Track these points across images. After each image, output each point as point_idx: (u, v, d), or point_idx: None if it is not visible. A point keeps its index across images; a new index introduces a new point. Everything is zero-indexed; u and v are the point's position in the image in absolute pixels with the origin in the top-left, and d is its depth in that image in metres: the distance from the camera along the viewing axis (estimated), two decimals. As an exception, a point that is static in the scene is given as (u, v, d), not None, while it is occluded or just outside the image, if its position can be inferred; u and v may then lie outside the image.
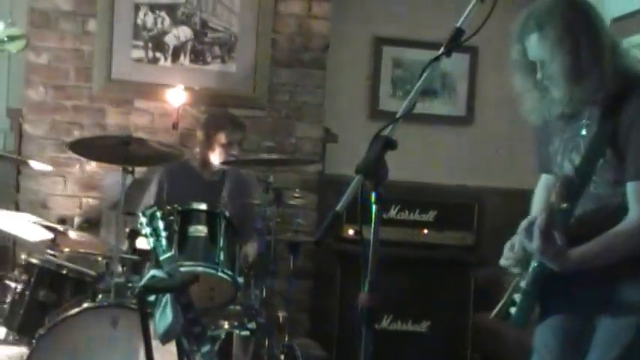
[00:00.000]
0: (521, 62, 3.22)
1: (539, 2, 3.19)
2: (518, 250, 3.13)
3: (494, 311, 3.20)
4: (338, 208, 2.40)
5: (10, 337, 4.72)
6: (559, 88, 3.10)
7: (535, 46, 3.12)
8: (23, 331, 4.65)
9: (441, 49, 2.74)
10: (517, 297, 3.14)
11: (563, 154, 3.23)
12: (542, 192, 3.44)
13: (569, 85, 3.07)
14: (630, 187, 3.00)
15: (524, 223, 2.99)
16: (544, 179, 3.45)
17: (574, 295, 3.13)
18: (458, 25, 2.76)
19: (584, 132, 3.14)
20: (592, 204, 3.02)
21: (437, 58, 2.72)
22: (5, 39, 3.70)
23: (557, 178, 3.20)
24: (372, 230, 2.47)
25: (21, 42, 3.78)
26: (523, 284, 3.11)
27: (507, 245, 3.20)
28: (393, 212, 6.22)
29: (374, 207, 2.46)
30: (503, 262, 3.19)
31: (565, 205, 2.91)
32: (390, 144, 2.47)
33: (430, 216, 6.32)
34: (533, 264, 3.06)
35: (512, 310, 3.15)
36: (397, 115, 2.57)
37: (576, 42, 3.06)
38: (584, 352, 3.15)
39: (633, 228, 2.97)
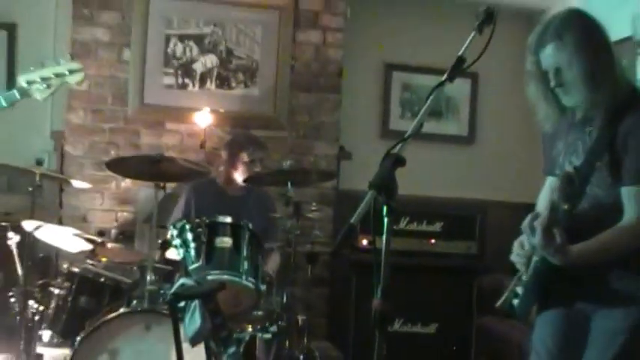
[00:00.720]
0: (534, 73, 3.19)
1: (553, 16, 3.20)
2: (528, 249, 3.12)
3: (499, 302, 3.18)
4: (352, 220, 2.40)
5: (55, 340, 4.76)
6: (578, 93, 3.10)
7: (553, 54, 3.10)
8: (66, 334, 4.69)
9: (445, 75, 2.75)
10: (519, 289, 3.13)
11: (565, 157, 3.23)
12: (546, 192, 3.43)
13: (588, 90, 3.08)
14: (625, 191, 3.00)
15: (527, 219, 2.98)
16: (549, 181, 3.44)
17: (570, 291, 3.12)
18: (460, 54, 2.77)
19: (586, 138, 3.14)
20: (587, 203, 3.00)
21: (441, 84, 2.73)
22: (67, 73, 3.75)
23: (559, 179, 3.20)
24: (384, 240, 2.47)
25: (80, 75, 3.82)
26: (525, 278, 3.11)
27: (517, 242, 3.19)
28: (402, 224, 6.22)
29: (386, 219, 2.46)
30: (513, 257, 3.19)
31: (567, 206, 2.89)
32: (399, 161, 2.48)
33: (437, 227, 6.31)
34: (535, 259, 3.06)
35: (515, 301, 3.14)
36: (406, 135, 2.58)
37: (595, 49, 3.08)
38: (581, 347, 3.13)
39: (629, 228, 2.97)
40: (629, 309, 3.04)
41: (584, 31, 3.11)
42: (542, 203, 3.41)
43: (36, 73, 3.74)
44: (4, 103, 3.69)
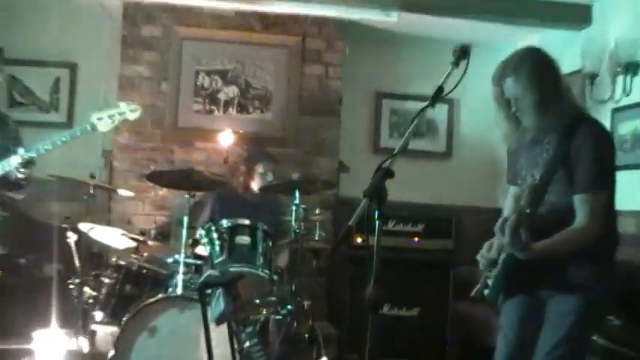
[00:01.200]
0: (499, 100, 3.19)
1: (513, 52, 3.22)
2: (493, 252, 3.14)
3: (473, 292, 3.18)
4: (350, 223, 2.40)
5: (105, 319, 4.76)
6: (530, 118, 3.13)
7: (511, 86, 3.13)
8: (114, 315, 4.70)
9: (428, 102, 2.74)
10: (489, 281, 3.13)
11: (527, 170, 3.24)
12: (510, 200, 3.43)
13: (537, 116, 3.11)
14: (577, 198, 3.01)
15: (498, 223, 2.96)
16: (512, 190, 3.43)
17: (531, 281, 3.13)
18: (440, 83, 2.76)
19: (544, 154, 3.15)
20: (544, 208, 3.00)
21: (424, 109, 2.73)
22: (127, 111, 3.91)
23: (522, 189, 3.23)
24: (376, 239, 2.47)
25: (137, 113, 4.00)
26: (494, 272, 3.10)
27: (486, 244, 3.20)
28: (391, 225, 6.19)
29: (377, 221, 2.46)
30: (478, 257, 3.20)
31: (529, 209, 2.91)
32: (389, 174, 2.48)
33: (419, 227, 6.28)
34: (503, 256, 3.06)
35: (486, 291, 3.14)
36: (394, 152, 2.57)
37: (543, 82, 3.09)
38: (538, 327, 3.15)
39: (579, 230, 2.99)
40: (577, 294, 3.05)
41: (535, 66, 3.13)
42: (508, 207, 3.41)
43: (104, 112, 3.99)
44: (78, 134, 3.86)
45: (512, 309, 3.31)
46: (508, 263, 3.04)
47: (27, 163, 3.94)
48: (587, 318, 3.08)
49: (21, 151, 3.93)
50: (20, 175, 3.99)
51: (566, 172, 3.01)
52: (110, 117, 3.96)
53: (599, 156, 3.03)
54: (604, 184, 3.06)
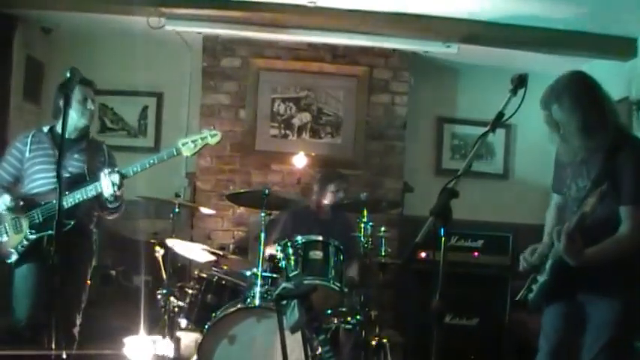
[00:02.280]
0: (550, 122, 3.17)
1: (558, 79, 3.20)
2: (536, 258, 3.19)
3: (518, 296, 3.24)
4: (417, 239, 2.41)
5: (189, 326, 4.80)
6: (576, 141, 3.11)
7: (555, 112, 3.11)
8: (197, 322, 4.72)
9: (488, 127, 2.74)
10: (534, 286, 3.18)
11: (572, 179, 3.24)
12: (553, 207, 3.47)
13: (582, 139, 3.09)
14: (623, 209, 3.03)
15: (556, 228, 2.98)
16: (555, 199, 3.46)
17: (572, 286, 3.13)
18: (500, 110, 2.76)
19: (589, 167, 3.15)
20: (589, 220, 2.96)
21: (485, 134, 2.73)
22: (209, 137, 3.99)
23: (566, 197, 3.28)
24: (442, 254, 2.46)
25: (218, 138, 4.06)
26: (540, 278, 3.14)
27: (531, 247, 3.28)
28: (453, 241, 6.17)
29: (442, 238, 2.46)
30: (521, 257, 3.26)
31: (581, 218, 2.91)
32: (454, 194, 2.48)
33: (479, 243, 6.24)
34: (550, 262, 3.09)
35: (530, 295, 3.18)
36: (458, 173, 2.57)
37: (584, 108, 3.07)
38: (578, 328, 3.16)
39: (624, 238, 3.00)
40: (615, 299, 3.06)
41: (577, 92, 3.12)
42: (552, 215, 3.46)
43: (188, 137, 4.05)
44: (165, 157, 3.97)
45: (553, 311, 3.30)
46: (555, 270, 3.05)
47: (120, 185, 3.99)
48: (628, 322, 3.08)
49: (114, 174, 3.97)
50: (112, 197, 4.04)
51: (610, 186, 2.98)
52: (193, 142, 4.01)
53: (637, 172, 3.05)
54: None
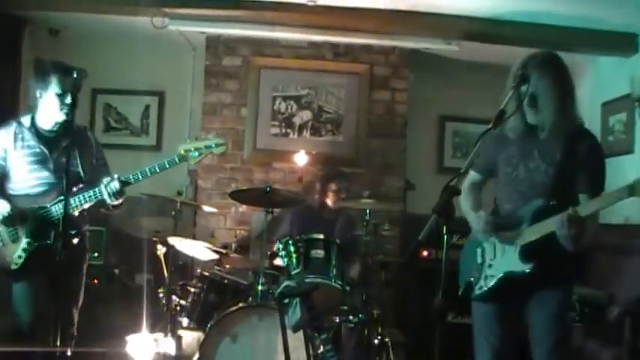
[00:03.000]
0: (512, 92, 3.00)
1: (537, 52, 3.14)
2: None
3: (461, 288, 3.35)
4: (420, 237, 2.39)
5: (191, 325, 4.79)
6: (544, 116, 3.06)
7: (535, 81, 3.01)
8: (199, 321, 4.71)
9: (490, 124, 2.72)
10: (485, 282, 3.20)
11: (519, 159, 3.18)
12: (470, 186, 3.46)
13: (554, 115, 3.04)
14: (584, 196, 3.02)
15: (564, 215, 2.86)
16: (474, 177, 3.43)
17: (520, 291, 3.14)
18: (501, 107, 2.74)
19: (542, 149, 3.11)
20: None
21: (487, 131, 2.70)
22: (213, 145, 3.93)
23: (512, 176, 3.19)
24: (444, 252, 2.45)
25: (223, 147, 4.00)
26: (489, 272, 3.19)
27: (485, 214, 3.28)
28: (455, 239, 6.12)
29: (445, 236, 2.44)
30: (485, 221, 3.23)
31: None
32: (455, 191, 2.46)
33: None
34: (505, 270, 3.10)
35: (478, 290, 3.23)
36: (460, 171, 2.55)
37: (565, 88, 3.07)
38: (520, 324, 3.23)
39: None
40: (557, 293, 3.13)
41: (561, 69, 3.09)
42: (472, 194, 3.46)
43: (192, 144, 3.94)
44: (167, 165, 3.85)
45: (490, 310, 3.28)
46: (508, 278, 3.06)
47: (120, 192, 3.88)
48: (569, 305, 3.30)
49: (114, 182, 3.80)
50: (116, 203, 3.93)
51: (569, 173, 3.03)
52: (197, 149, 3.93)
53: (604, 165, 3.09)
54: None
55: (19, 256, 3.80)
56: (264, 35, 6.47)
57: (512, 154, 3.20)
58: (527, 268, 2.99)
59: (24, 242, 3.81)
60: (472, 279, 3.25)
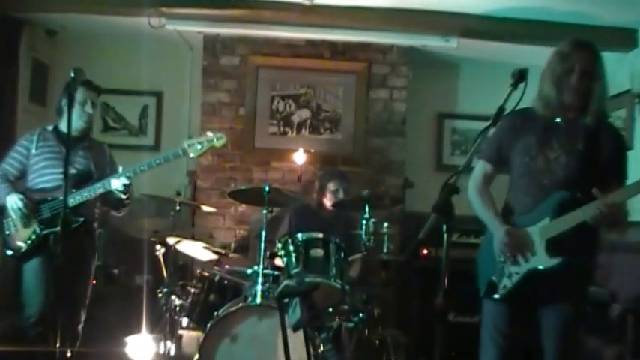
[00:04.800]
0: (560, 66, 3.10)
1: (582, 40, 3.21)
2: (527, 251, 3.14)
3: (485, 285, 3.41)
4: (420, 236, 2.38)
5: (191, 325, 4.81)
6: (587, 100, 3.06)
7: (588, 59, 3.07)
8: (199, 321, 4.74)
9: (489, 122, 2.71)
10: (508, 280, 3.23)
11: (538, 149, 3.16)
12: (481, 179, 3.48)
13: (594, 102, 3.05)
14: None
15: (598, 202, 2.88)
16: (484, 168, 3.42)
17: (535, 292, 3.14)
18: (501, 105, 2.73)
19: (568, 138, 3.11)
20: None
21: (487, 129, 2.69)
22: (215, 140, 4.15)
23: (530, 165, 3.18)
24: (444, 251, 2.43)
25: (223, 140, 4.27)
26: (513, 269, 3.20)
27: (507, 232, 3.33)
28: (455, 237, 6.11)
29: (445, 235, 2.43)
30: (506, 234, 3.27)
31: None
32: (455, 190, 2.45)
33: (481, 240, 6.19)
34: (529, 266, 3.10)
35: (502, 290, 3.25)
36: (459, 169, 2.54)
37: (604, 77, 3.09)
38: (531, 331, 3.22)
39: None
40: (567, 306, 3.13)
41: (601, 59, 3.12)
42: (481, 185, 3.49)
43: (195, 139, 4.26)
44: (171, 158, 4.20)
45: (504, 312, 3.30)
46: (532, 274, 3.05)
47: (128, 185, 4.14)
48: (581, 319, 3.17)
49: (121, 170, 4.17)
50: (124, 196, 4.22)
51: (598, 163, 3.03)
52: (199, 143, 4.19)
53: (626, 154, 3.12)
54: None
55: (29, 238, 4.20)
56: (261, 34, 6.46)
57: (530, 144, 3.19)
58: (554, 262, 2.97)
59: (35, 227, 4.21)
60: (493, 278, 3.22)
